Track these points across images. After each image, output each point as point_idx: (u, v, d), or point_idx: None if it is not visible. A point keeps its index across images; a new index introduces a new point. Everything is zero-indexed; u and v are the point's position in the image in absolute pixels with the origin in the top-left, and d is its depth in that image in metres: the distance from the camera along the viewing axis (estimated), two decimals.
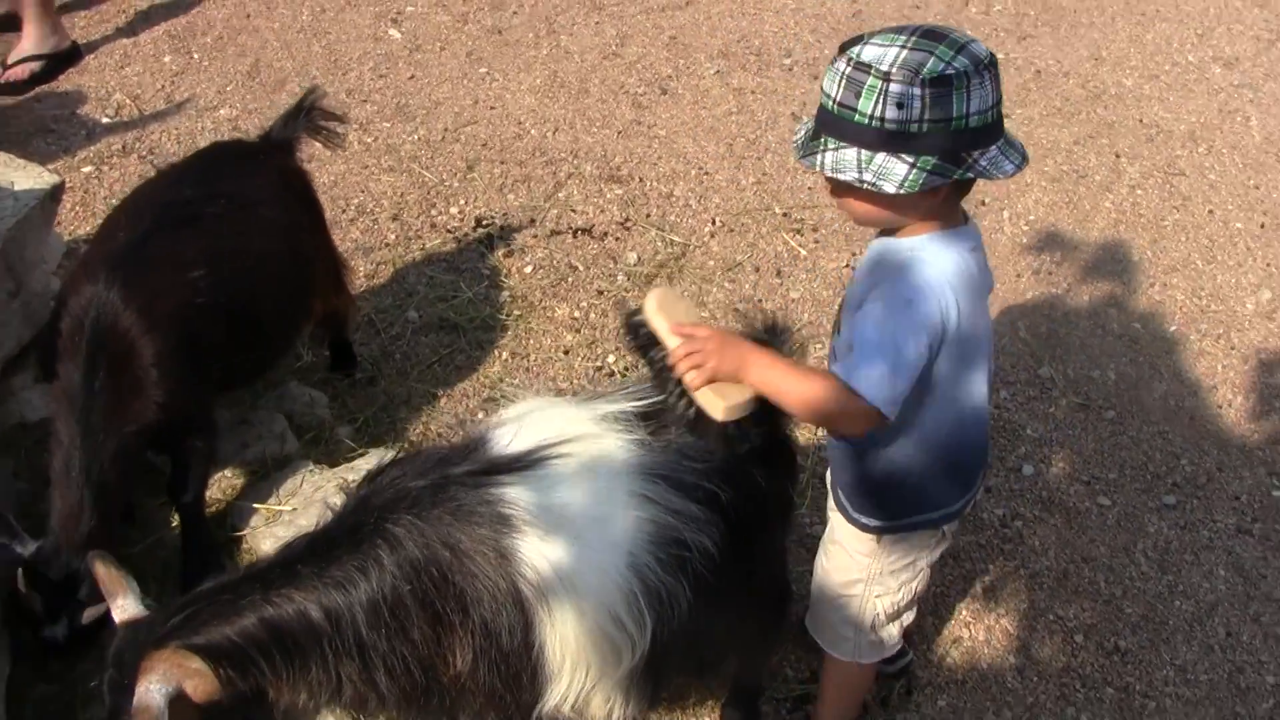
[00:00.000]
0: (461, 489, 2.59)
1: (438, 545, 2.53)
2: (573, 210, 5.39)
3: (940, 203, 2.51)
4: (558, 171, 5.61)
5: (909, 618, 3.15)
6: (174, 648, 2.38)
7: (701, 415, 2.55)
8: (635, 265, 5.11)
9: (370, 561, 2.51)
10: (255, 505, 3.80)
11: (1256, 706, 3.65)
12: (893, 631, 3.14)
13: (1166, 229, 5.39)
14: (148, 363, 3.26)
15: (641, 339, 2.61)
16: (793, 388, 2.51)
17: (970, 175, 2.41)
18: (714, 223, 5.37)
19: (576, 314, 4.87)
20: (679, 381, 2.54)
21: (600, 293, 4.97)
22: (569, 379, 4.60)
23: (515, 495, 2.59)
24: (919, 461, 2.77)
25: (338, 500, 3.72)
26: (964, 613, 3.84)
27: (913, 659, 3.66)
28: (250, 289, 3.61)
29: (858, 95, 2.36)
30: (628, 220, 5.35)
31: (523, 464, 2.63)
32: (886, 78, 2.32)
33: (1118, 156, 5.78)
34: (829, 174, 2.44)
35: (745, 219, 5.39)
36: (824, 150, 2.44)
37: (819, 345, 4.69)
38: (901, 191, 2.37)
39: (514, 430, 2.72)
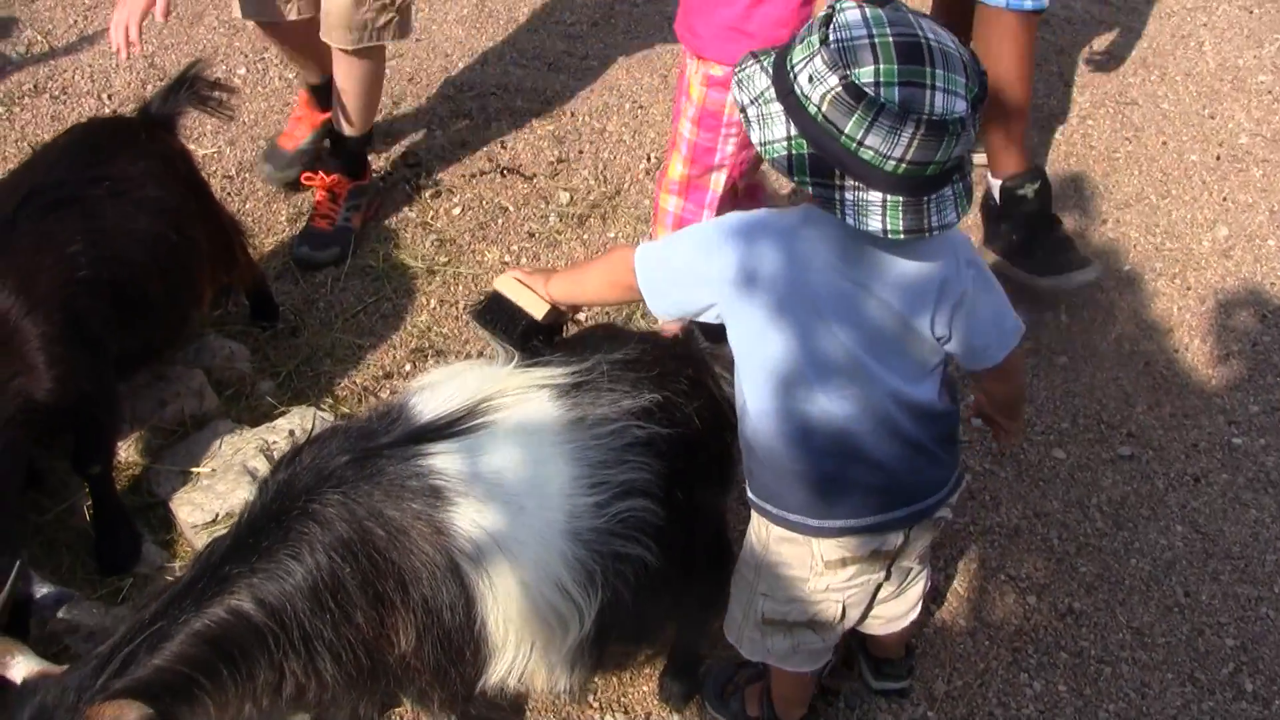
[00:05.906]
0: (388, 462, 2.48)
1: (370, 523, 2.42)
2: (502, 148, 5.17)
3: None
4: (487, 107, 5.37)
5: (812, 641, 2.85)
6: (107, 700, 2.22)
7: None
8: (568, 205, 4.90)
9: (303, 547, 2.38)
10: (173, 469, 3.67)
11: (1217, 671, 3.52)
12: (780, 645, 2.85)
13: (1119, 162, 5.22)
14: (34, 346, 3.09)
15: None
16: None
17: (819, 195, 2.16)
18: (649, 159, 5.15)
19: (507, 258, 4.67)
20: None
21: (531, 235, 4.77)
22: None
23: (445, 465, 2.49)
24: (762, 449, 2.57)
25: (258, 464, 3.58)
26: None
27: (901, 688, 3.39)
28: (134, 266, 3.41)
29: (800, 40, 2.16)
30: (559, 158, 5.13)
31: (450, 431, 2.51)
32: (825, 42, 2.09)
33: (1067, 85, 5.59)
34: (732, 81, 2.27)
35: None
36: (758, 60, 2.25)
37: None
38: (758, 149, 2.19)
39: (436, 395, 2.60)
